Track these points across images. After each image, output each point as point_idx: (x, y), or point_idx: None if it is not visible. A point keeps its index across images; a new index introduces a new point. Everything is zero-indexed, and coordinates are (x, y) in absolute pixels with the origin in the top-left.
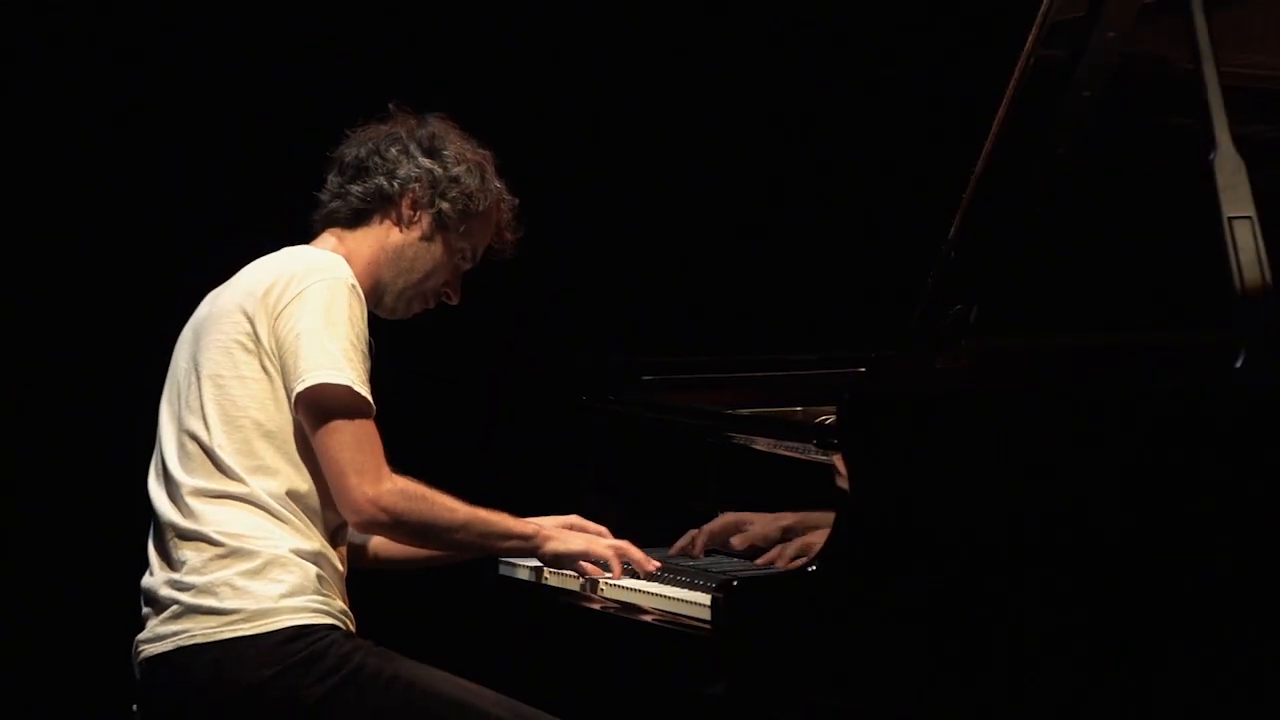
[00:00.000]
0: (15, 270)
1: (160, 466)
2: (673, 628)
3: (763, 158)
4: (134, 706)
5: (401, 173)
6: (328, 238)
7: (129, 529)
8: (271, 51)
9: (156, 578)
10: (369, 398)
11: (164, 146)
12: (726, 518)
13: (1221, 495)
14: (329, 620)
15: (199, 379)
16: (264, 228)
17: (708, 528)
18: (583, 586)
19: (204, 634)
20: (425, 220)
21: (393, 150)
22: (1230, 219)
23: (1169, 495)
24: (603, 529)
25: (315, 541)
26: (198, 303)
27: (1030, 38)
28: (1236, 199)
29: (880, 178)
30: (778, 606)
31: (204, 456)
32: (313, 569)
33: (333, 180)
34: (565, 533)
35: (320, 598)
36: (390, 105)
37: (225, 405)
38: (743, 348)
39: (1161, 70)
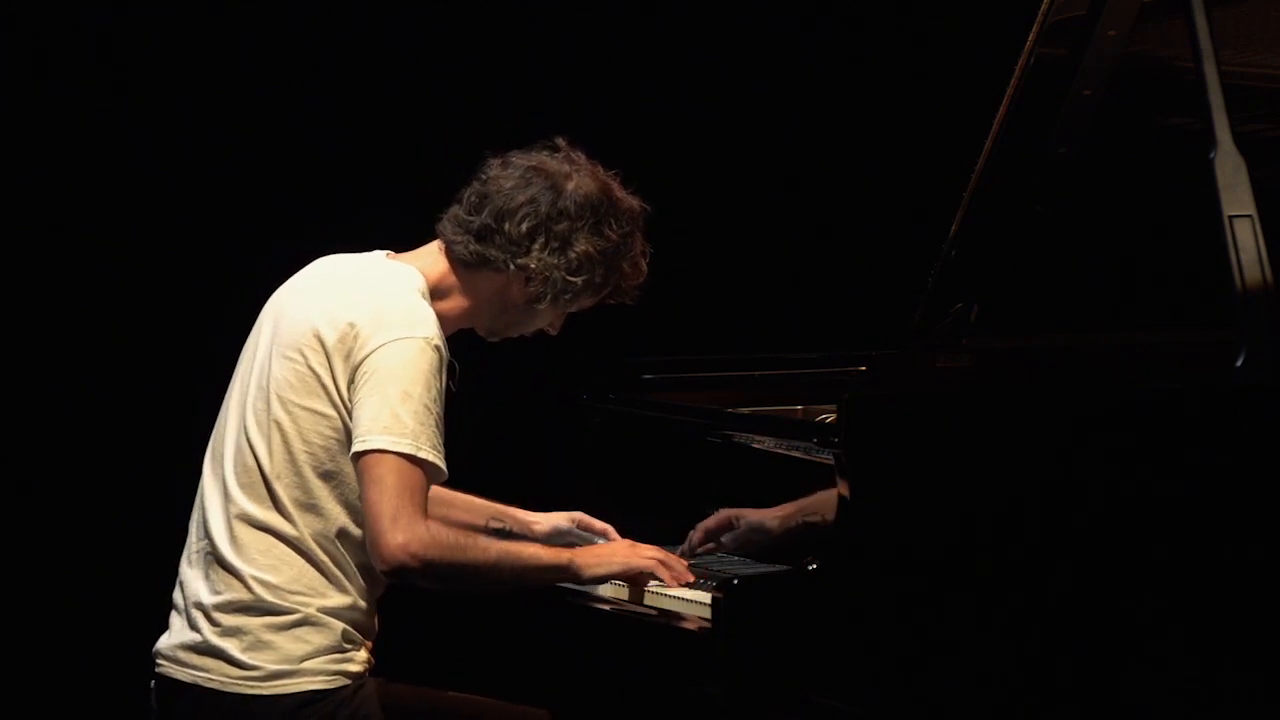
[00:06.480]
0: (33, 265)
1: (219, 459)
2: (672, 627)
3: (763, 157)
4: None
5: (522, 261)
6: (439, 256)
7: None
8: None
9: (188, 589)
10: (434, 461)
11: (213, 137)
12: (722, 514)
13: (1222, 495)
14: (344, 682)
15: (269, 391)
16: (312, 221)
17: (703, 524)
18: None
19: (220, 682)
20: (541, 293)
21: (523, 226)
22: (1231, 218)
23: (1169, 495)
24: (607, 526)
25: (353, 590)
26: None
27: (1030, 37)
28: (1237, 198)
29: (880, 177)
30: (778, 606)
31: (260, 479)
32: (341, 626)
33: (460, 213)
34: (597, 552)
35: (340, 656)
36: (559, 141)
37: (289, 434)
38: (743, 348)
39: (1161, 70)
